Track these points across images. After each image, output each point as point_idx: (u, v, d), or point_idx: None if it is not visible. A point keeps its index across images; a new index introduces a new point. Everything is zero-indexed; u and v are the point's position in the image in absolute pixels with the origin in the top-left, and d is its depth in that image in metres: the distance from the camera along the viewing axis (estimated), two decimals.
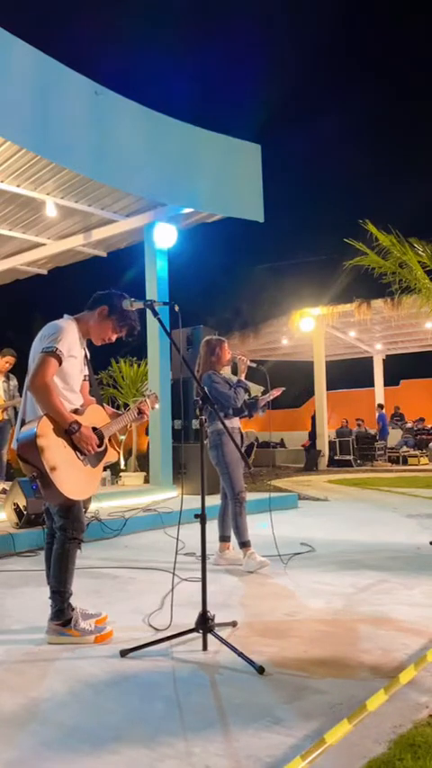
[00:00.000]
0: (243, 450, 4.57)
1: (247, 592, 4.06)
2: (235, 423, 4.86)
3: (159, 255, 9.08)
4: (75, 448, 3.02)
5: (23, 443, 2.93)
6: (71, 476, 2.98)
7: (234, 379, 4.86)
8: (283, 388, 5.02)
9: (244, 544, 4.63)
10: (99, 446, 3.12)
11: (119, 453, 3.46)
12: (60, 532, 3.14)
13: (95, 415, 3.22)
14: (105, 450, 3.21)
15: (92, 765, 1.98)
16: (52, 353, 3.00)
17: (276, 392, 4.98)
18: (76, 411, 3.10)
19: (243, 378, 4.83)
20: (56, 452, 2.93)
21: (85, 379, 3.30)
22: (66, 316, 3.26)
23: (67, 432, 2.97)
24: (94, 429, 3.12)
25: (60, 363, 3.03)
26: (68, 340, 3.10)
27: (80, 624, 3.11)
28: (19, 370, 7.93)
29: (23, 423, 3.10)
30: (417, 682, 2.49)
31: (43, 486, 2.90)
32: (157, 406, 3.54)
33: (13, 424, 8.25)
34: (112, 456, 3.28)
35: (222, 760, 1.98)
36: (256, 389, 5.02)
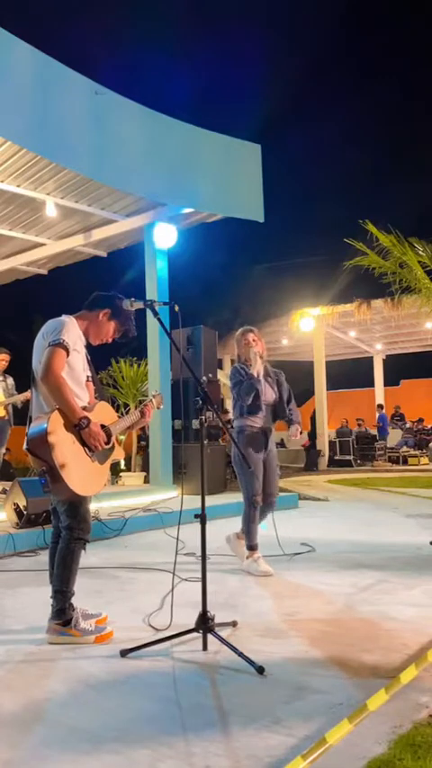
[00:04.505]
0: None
1: (247, 592, 4.06)
2: (257, 421, 4.62)
3: (159, 255, 9.08)
4: (83, 444, 3.04)
5: (34, 439, 2.96)
6: (80, 471, 3.00)
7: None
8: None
9: (251, 548, 4.59)
10: (107, 443, 3.14)
11: (124, 452, 3.48)
12: (66, 532, 3.14)
13: (104, 413, 3.26)
14: (112, 447, 3.23)
15: (92, 765, 1.98)
16: (60, 345, 3.04)
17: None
18: (84, 408, 3.12)
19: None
20: (66, 448, 2.96)
21: (88, 380, 3.31)
22: (64, 315, 3.27)
23: (77, 426, 3.00)
24: (102, 426, 3.14)
25: (68, 354, 3.07)
26: (72, 334, 3.14)
27: (80, 624, 3.11)
28: (17, 370, 7.94)
29: (31, 420, 3.11)
30: (417, 682, 2.48)
31: (52, 482, 2.92)
32: (161, 405, 3.57)
33: (11, 423, 8.24)
34: (118, 454, 3.30)
35: (222, 760, 1.98)
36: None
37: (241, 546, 4.76)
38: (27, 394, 7.62)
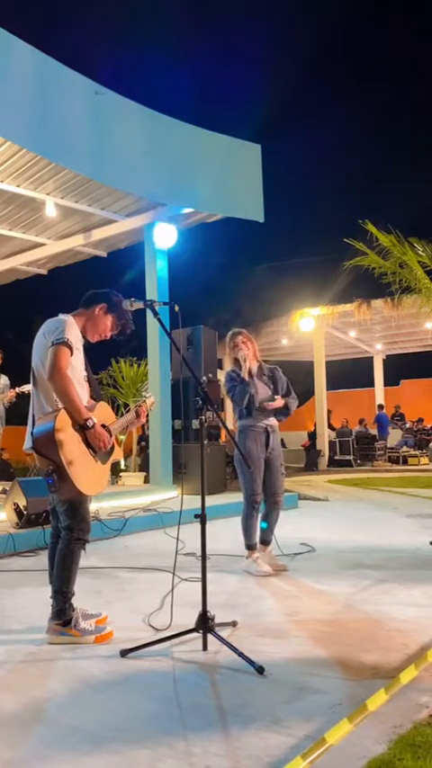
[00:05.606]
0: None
1: (247, 592, 4.06)
2: (256, 421, 4.62)
3: (159, 255, 9.08)
4: (87, 444, 3.05)
5: (41, 438, 2.96)
6: (85, 471, 3.01)
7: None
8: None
9: (250, 547, 4.59)
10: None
11: (123, 452, 3.51)
12: (66, 532, 3.14)
13: (104, 413, 3.27)
14: (113, 448, 3.24)
15: (92, 765, 1.98)
16: (64, 343, 3.04)
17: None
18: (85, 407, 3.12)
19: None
20: (72, 447, 2.96)
21: (84, 379, 3.31)
22: (62, 314, 3.27)
23: (82, 427, 3.00)
24: (104, 426, 3.15)
25: (72, 353, 3.06)
26: (73, 333, 3.15)
27: (80, 624, 3.11)
28: (17, 370, 7.93)
29: (34, 419, 3.11)
30: (417, 682, 2.48)
31: (60, 480, 2.92)
32: (153, 408, 3.61)
33: (3, 423, 8.21)
34: (118, 454, 3.31)
35: (222, 760, 1.98)
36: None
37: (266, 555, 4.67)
38: (11, 394, 7.65)
